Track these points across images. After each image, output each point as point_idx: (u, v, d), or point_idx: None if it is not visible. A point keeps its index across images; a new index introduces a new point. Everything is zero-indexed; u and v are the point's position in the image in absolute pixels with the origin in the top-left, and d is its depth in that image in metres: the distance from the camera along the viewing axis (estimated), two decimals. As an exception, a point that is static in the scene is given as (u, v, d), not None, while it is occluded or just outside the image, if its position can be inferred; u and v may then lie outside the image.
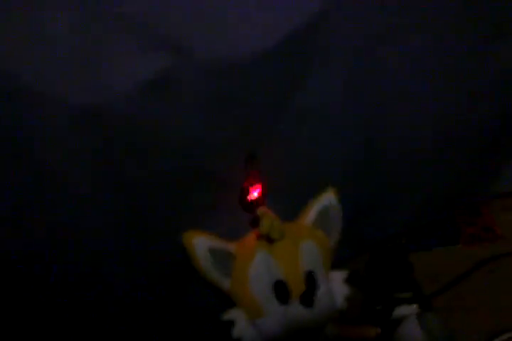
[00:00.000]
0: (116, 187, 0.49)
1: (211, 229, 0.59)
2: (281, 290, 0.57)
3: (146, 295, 0.58)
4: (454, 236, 0.88)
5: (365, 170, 0.72)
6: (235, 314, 0.58)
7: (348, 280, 0.74)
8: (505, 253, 0.83)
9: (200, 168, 0.54)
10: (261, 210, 0.56)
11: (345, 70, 0.59)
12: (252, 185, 0.56)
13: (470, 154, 0.80)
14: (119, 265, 0.55)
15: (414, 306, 0.62)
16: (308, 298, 0.57)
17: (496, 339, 0.68)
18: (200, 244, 0.56)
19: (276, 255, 0.57)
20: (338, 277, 0.64)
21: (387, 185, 0.76)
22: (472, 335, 0.70)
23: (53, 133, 0.42)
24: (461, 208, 0.91)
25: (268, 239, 0.57)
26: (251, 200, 0.57)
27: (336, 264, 0.67)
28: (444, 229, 0.90)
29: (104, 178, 0.47)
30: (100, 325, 0.56)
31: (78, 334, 0.55)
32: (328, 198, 0.64)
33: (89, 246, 0.52)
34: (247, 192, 0.57)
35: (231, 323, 0.58)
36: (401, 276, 0.75)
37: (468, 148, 0.79)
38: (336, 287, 0.63)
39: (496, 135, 0.80)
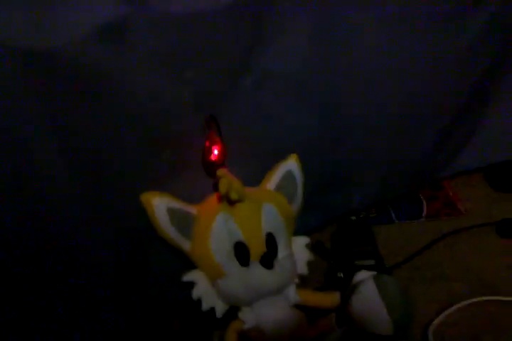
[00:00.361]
0: (70, 144, 0.48)
1: (173, 193, 0.59)
2: (241, 252, 0.57)
3: (110, 258, 0.57)
4: (417, 211, 0.90)
5: (330, 140, 0.72)
6: (195, 275, 0.59)
7: (313, 249, 0.75)
8: (465, 227, 0.85)
9: (159, 128, 0.53)
10: (220, 171, 0.55)
11: (308, 34, 0.59)
12: (212, 145, 0.56)
13: (434, 130, 0.81)
14: (83, 227, 0.53)
15: (374, 272, 0.62)
16: (268, 259, 0.57)
17: (450, 309, 0.69)
18: (159, 204, 0.55)
19: (237, 217, 0.57)
20: (300, 242, 0.65)
21: (352, 157, 0.76)
22: (430, 304, 0.72)
23: (2, 79, 0.40)
24: (425, 183, 0.92)
25: (229, 201, 0.56)
26: (211, 161, 0.56)
27: (302, 234, 0.67)
28: (407, 203, 0.91)
29: (53, 132, 0.46)
30: (63, 289, 0.55)
31: (42, 296, 0.54)
32: (291, 164, 0.64)
33: (53, 207, 0.50)
34: (209, 152, 0.56)
35: (191, 284, 0.58)
36: (364, 247, 0.76)
37: (432, 123, 0.80)
38: (297, 252, 0.64)
39: (460, 111, 0.81)
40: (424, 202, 0.92)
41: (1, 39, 0.39)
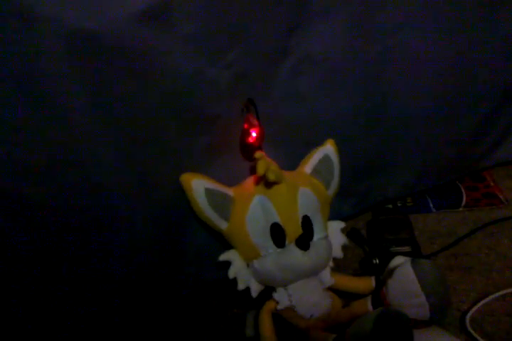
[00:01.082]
0: (112, 122, 0.50)
1: (211, 175, 0.60)
2: (277, 233, 0.58)
3: (148, 234, 0.59)
4: (456, 200, 0.88)
5: (368, 126, 0.71)
6: (231, 255, 0.60)
7: (348, 236, 0.75)
8: (505, 217, 0.83)
9: (197, 109, 0.54)
10: (258, 153, 0.56)
11: (349, 20, 0.59)
12: (250, 128, 0.57)
13: (474, 119, 0.79)
14: (123, 201, 0.55)
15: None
16: (303, 241, 0.58)
17: (488, 298, 0.68)
18: (198, 185, 0.57)
19: (274, 199, 0.58)
20: (335, 226, 0.65)
21: (388, 145, 0.76)
22: (468, 293, 0.71)
23: (49, 57, 0.42)
24: (465, 173, 0.91)
25: (266, 183, 0.57)
26: (250, 143, 0.57)
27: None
28: (446, 192, 0.90)
29: (96, 109, 0.48)
30: (97, 262, 0.57)
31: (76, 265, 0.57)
32: (328, 149, 0.65)
33: (95, 181, 0.52)
34: (247, 134, 0.57)
35: (227, 264, 0.59)
36: (400, 234, 0.75)
37: (472, 113, 0.78)
38: (333, 235, 0.64)
39: (501, 102, 0.79)
40: (464, 192, 0.90)
41: (48, 17, 0.41)
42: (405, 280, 0.56)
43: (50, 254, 0.54)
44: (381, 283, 0.62)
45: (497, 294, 0.69)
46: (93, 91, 0.47)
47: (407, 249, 0.72)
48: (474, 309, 0.67)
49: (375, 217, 0.83)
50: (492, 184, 0.92)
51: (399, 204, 0.86)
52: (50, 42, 0.41)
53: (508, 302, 0.68)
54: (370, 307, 0.61)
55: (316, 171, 0.64)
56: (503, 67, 0.73)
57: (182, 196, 0.58)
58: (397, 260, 0.62)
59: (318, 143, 0.66)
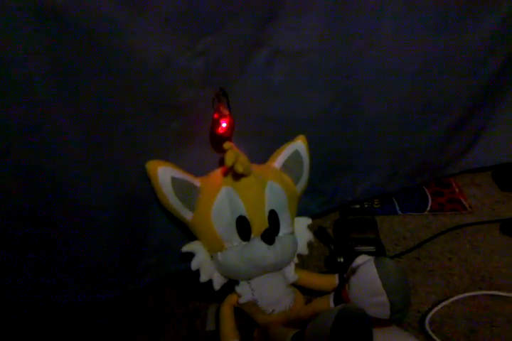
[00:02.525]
0: (78, 103, 0.48)
1: (179, 164, 0.59)
2: (243, 226, 0.57)
3: (110, 220, 0.57)
4: (422, 204, 0.89)
5: (339, 125, 0.71)
6: (195, 246, 0.59)
7: (315, 235, 0.75)
8: (467, 223, 0.85)
9: (167, 95, 0.53)
10: (227, 144, 0.55)
11: (325, 13, 0.58)
12: (220, 118, 0.56)
13: (443, 125, 0.80)
14: (85, 185, 0.53)
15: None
16: (269, 235, 0.57)
17: (448, 301, 0.69)
18: (165, 173, 0.56)
19: (241, 191, 0.57)
20: (302, 223, 0.65)
21: (359, 144, 0.76)
22: (428, 296, 0.72)
23: (16, 32, 0.40)
24: (432, 179, 0.92)
25: (234, 175, 0.57)
26: (219, 133, 0.56)
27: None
28: (412, 196, 0.91)
29: (60, 88, 0.46)
30: (60, 247, 0.55)
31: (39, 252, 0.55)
32: (298, 145, 0.65)
33: (58, 164, 0.50)
34: (217, 124, 0.56)
35: (191, 255, 0.58)
36: (365, 233, 0.76)
37: (442, 118, 0.79)
38: (299, 232, 0.64)
39: (471, 109, 0.81)
40: (430, 197, 0.91)
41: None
42: (368, 279, 0.56)
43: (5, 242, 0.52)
44: (344, 281, 0.61)
45: (456, 297, 0.70)
46: (58, 70, 0.45)
47: (371, 248, 0.72)
48: (434, 311, 0.68)
49: (343, 216, 0.83)
50: (457, 190, 0.93)
51: (366, 205, 0.86)
52: (18, 17, 0.39)
53: (466, 306, 0.69)
54: (332, 304, 0.60)
55: (285, 166, 0.63)
56: (470, 76, 0.74)
57: (147, 183, 0.56)
58: (361, 258, 0.62)
59: (289, 138, 0.66)
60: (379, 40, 0.64)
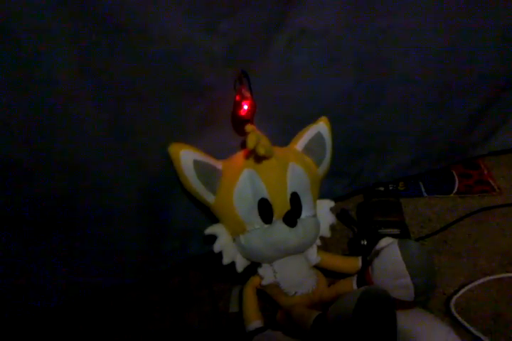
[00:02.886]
0: (99, 87, 0.48)
1: (201, 147, 0.59)
2: (265, 209, 0.57)
3: (133, 201, 0.58)
4: (449, 186, 0.88)
5: (363, 106, 0.70)
6: (217, 229, 0.59)
7: (338, 217, 0.75)
8: (495, 205, 0.83)
9: (188, 77, 0.53)
10: (249, 126, 0.55)
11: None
12: (242, 100, 0.55)
13: (471, 106, 0.78)
14: (109, 168, 0.54)
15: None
16: (291, 218, 0.57)
17: (474, 283, 0.68)
18: (186, 156, 0.56)
19: (263, 174, 0.57)
20: (325, 205, 0.65)
21: (383, 126, 0.74)
22: (454, 278, 0.71)
23: (37, 12, 0.41)
24: (459, 160, 0.90)
25: (256, 157, 0.56)
26: (241, 116, 0.56)
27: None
28: (438, 178, 0.89)
29: (82, 73, 0.46)
30: (83, 228, 0.57)
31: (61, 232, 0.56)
32: (321, 127, 0.64)
33: (81, 147, 0.51)
34: (238, 107, 0.56)
35: (213, 238, 0.58)
36: (389, 216, 0.75)
37: (469, 100, 0.77)
38: (321, 214, 0.64)
39: (497, 91, 0.78)
40: (456, 178, 0.89)
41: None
42: (391, 261, 0.56)
43: (33, 222, 0.53)
44: (367, 264, 0.61)
45: (482, 280, 0.69)
46: (81, 53, 0.45)
47: (396, 231, 0.71)
48: (460, 293, 0.67)
49: (366, 199, 0.82)
50: (485, 172, 0.91)
51: (390, 188, 0.85)
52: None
53: (493, 289, 0.69)
54: (355, 286, 0.60)
55: (307, 149, 0.63)
56: (499, 57, 0.71)
57: (170, 167, 0.56)
58: (385, 241, 0.61)
59: (312, 120, 0.65)
60: (403, 18, 0.62)
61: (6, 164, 0.47)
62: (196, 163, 0.56)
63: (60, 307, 0.63)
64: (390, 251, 0.57)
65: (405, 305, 0.56)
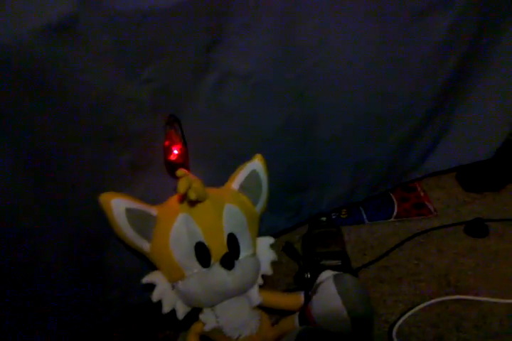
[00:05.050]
0: (18, 144, 0.47)
1: (133, 194, 0.58)
2: (202, 253, 0.57)
3: (67, 261, 0.57)
4: (388, 211, 0.90)
5: (298, 141, 0.72)
6: (155, 277, 0.58)
7: (283, 250, 0.76)
8: (433, 227, 0.86)
9: (116, 127, 0.53)
10: (180, 171, 0.55)
11: (272, 32, 0.58)
12: (172, 144, 0.56)
13: (403, 130, 0.81)
14: (36, 230, 0.53)
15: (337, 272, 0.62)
16: (228, 260, 0.57)
17: (414, 309, 0.70)
18: (118, 205, 0.55)
19: (198, 217, 0.57)
20: (264, 242, 0.65)
21: (319, 158, 0.76)
22: (397, 304, 0.72)
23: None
24: (396, 185, 0.93)
25: (190, 202, 0.56)
26: (172, 160, 0.56)
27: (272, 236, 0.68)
28: (378, 204, 0.92)
29: (8, 132, 0.45)
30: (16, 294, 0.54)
31: None
32: (255, 164, 0.64)
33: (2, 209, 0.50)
34: (169, 152, 0.56)
35: (152, 286, 0.57)
36: (331, 247, 0.76)
37: (400, 124, 0.80)
38: (262, 252, 0.64)
39: (429, 112, 0.81)
40: (396, 203, 0.92)
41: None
42: (328, 296, 0.57)
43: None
44: (309, 299, 0.62)
45: (423, 305, 0.71)
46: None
47: (336, 262, 0.72)
48: (401, 321, 0.68)
49: (310, 230, 0.83)
50: (422, 194, 0.95)
51: (334, 216, 0.87)
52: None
53: (434, 313, 0.70)
54: (297, 324, 0.60)
55: (243, 187, 0.63)
56: (423, 83, 0.75)
57: (102, 217, 0.55)
58: (325, 274, 0.62)
59: (247, 157, 0.65)
60: (328, 55, 0.64)
61: None
62: (129, 211, 0.55)
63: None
64: (326, 286, 0.58)
65: (347, 339, 0.57)
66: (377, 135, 0.79)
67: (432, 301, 0.71)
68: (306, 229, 0.87)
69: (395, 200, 0.93)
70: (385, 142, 0.81)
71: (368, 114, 0.74)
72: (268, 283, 0.66)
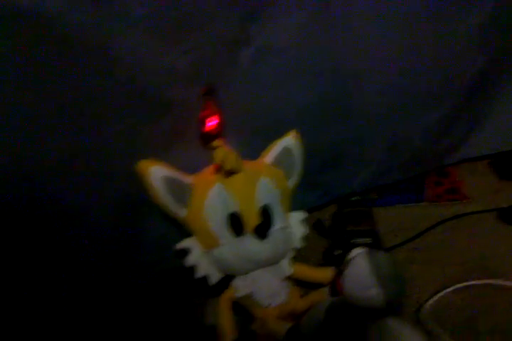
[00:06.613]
0: (60, 109, 0.49)
1: (170, 162, 0.59)
2: (235, 222, 0.58)
3: (101, 225, 0.59)
4: (420, 195, 0.89)
5: (333, 117, 0.71)
6: (189, 243, 0.60)
7: (313, 228, 0.76)
8: (465, 213, 0.85)
9: (154, 95, 0.54)
10: (216, 142, 0.56)
11: (310, 6, 0.58)
12: (209, 115, 0.56)
13: (440, 114, 0.80)
14: (79, 190, 0.55)
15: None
16: (261, 230, 0.58)
17: (445, 291, 0.69)
18: (155, 172, 0.56)
19: (233, 188, 0.58)
20: (296, 217, 0.66)
21: (354, 136, 0.76)
22: (427, 286, 0.72)
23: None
24: (430, 169, 0.92)
25: (225, 172, 0.57)
26: (208, 131, 0.57)
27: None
28: (410, 187, 0.91)
29: (39, 96, 0.47)
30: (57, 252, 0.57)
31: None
32: (289, 141, 0.65)
33: (47, 169, 0.51)
34: (205, 123, 0.56)
35: (186, 252, 0.59)
36: (362, 226, 0.76)
37: (438, 107, 0.79)
38: (294, 226, 0.65)
39: (467, 96, 0.80)
40: (428, 187, 0.91)
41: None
42: (359, 271, 0.57)
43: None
44: (339, 274, 0.62)
45: (454, 287, 0.70)
46: (36, 75, 0.46)
47: (367, 240, 0.72)
48: (431, 301, 0.68)
49: (340, 209, 0.83)
50: (456, 179, 0.93)
51: (363, 197, 0.87)
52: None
53: (464, 296, 0.69)
54: (327, 297, 0.61)
55: (277, 162, 0.64)
56: (465, 65, 0.73)
57: (139, 184, 0.57)
58: (355, 251, 0.62)
59: (281, 132, 0.65)
60: (364, 30, 0.64)
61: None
62: (166, 179, 0.56)
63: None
64: (358, 261, 0.58)
65: (376, 315, 0.57)
66: (413, 116, 0.78)
67: (463, 284, 0.70)
68: (336, 209, 0.87)
69: (427, 184, 0.92)
70: (422, 123, 0.80)
71: (405, 92, 0.73)
72: (297, 259, 0.67)
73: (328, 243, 0.80)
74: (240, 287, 0.60)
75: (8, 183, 0.49)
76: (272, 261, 0.61)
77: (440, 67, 0.72)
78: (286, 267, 0.63)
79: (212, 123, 0.56)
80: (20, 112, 0.46)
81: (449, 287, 0.70)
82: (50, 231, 0.55)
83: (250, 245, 0.58)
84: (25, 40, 0.43)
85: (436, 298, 0.69)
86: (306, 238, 0.66)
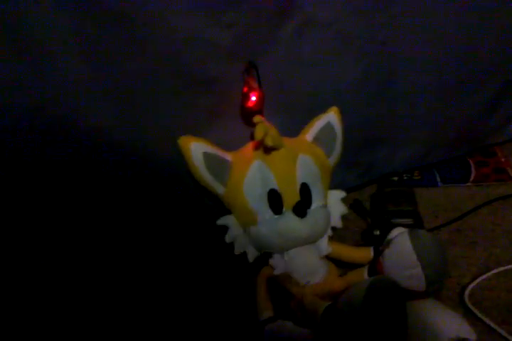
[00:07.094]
0: (109, 81, 0.49)
1: (210, 139, 0.59)
2: (274, 200, 0.57)
3: (143, 200, 0.59)
4: (465, 175, 0.86)
5: (375, 95, 0.69)
6: (228, 220, 0.60)
7: (351, 208, 0.75)
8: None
9: (196, 70, 0.53)
10: (257, 118, 0.55)
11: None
12: (250, 91, 0.55)
13: (486, 93, 0.77)
14: (119, 168, 0.55)
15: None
16: (300, 208, 0.57)
17: (489, 273, 0.67)
18: (196, 148, 0.56)
19: (272, 165, 0.57)
20: (336, 195, 0.65)
21: (396, 114, 0.74)
22: (469, 268, 0.70)
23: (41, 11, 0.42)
24: (475, 148, 0.88)
25: (265, 149, 0.56)
26: (249, 107, 0.56)
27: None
28: (454, 167, 0.88)
29: (94, 69, 0.47)
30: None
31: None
32: (330, 117, 0.63)
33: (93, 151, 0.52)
34: (246, 98, 0.56)
35: (225, 228, 0.59)
36: (403, 206, 0.74)
37: (484, 86, 0.75)
38: (333, 205, 0.64)
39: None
40: (473, 167, 0.88)
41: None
42: (402, 251, 0.55)
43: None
44: (379, 254, 0.61)
45: (497, 270, 0.68)
46: (87, 49, 0.46)
47: (408, 221, 0.70)
48: (474, 284, 0.66)
49: (380, 189, 0.81)
50: (502, 159, 0.89)
51: (405, 177, 0.85)
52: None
53: (508, 279, 0.67)
54: (366, 277, 0.60)
55: (317, 139, 0.62)
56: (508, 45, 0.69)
57: (179, 159, 0.57)
58: (397, 230, 0.61)
59: (322, 110, 0.64)
60: (412, 5, 0.60)
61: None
62: (206, 155, 0.56)
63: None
64: (400, 241, 0.56)
65: (417, 296, 0.56)
66: (458, 94, 0.75)
67: (508, 267, 0.68)
68: (375, 189, 0.86)
69: (472, 164, 0.89)
70: (466, 102, 0.76)
71: (450, 70, 0.70)
72: (335, 239, 0.66)
73: (367, 224, 0.78)
74: (278, 265, 0.60)
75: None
76: (311, 240, 0.60)
77: (488, 46, 0.68)
78: (325, 246, 0.62)
79: (253, 98, 0.55)
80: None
81: (491, 270, 0.68)
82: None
83: (289, 223, 0.57)
84: (74, 13, 0.43)
85: (478, 281, 0.67)
86: (344, 218, 0.65)
